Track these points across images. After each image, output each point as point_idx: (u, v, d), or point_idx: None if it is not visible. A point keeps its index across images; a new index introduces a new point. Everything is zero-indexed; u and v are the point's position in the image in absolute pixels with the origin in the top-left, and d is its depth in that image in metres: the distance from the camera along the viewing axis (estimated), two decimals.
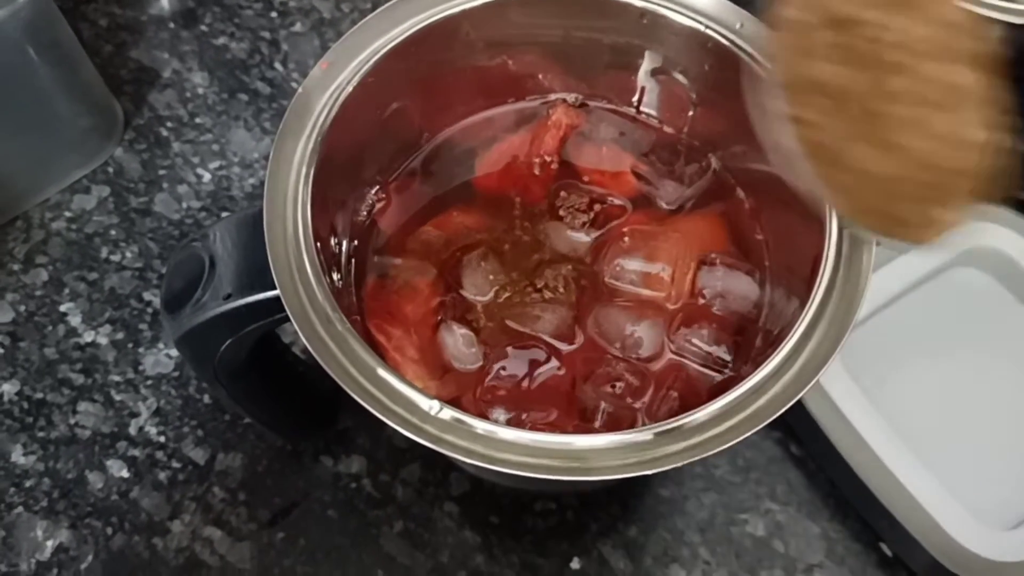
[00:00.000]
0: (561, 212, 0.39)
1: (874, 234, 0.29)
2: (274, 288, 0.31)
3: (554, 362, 0.36)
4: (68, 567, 0.45)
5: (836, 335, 0.30)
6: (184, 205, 0.54)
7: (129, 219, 0.54)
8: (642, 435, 0.29)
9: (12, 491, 0.47)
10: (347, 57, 0.35)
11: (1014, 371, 0.48)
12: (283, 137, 0.34)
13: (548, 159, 0.41)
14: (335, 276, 0.35)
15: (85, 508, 0.46)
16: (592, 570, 0.45)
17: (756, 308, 0.37)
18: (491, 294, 0.37)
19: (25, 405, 0.49)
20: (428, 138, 0.40)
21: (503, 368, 0.36)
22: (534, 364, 0.36)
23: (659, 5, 0.36)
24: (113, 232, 0.53)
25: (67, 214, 0.54)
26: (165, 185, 0.55)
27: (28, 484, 0.47)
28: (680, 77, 0.38)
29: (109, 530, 0.46)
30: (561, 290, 0.37)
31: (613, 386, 0.35)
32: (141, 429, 0.48)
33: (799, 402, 0.44)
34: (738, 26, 0.35)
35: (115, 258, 0.52)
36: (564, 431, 0.33)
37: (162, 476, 0.47)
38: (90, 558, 0.45)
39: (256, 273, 0.32)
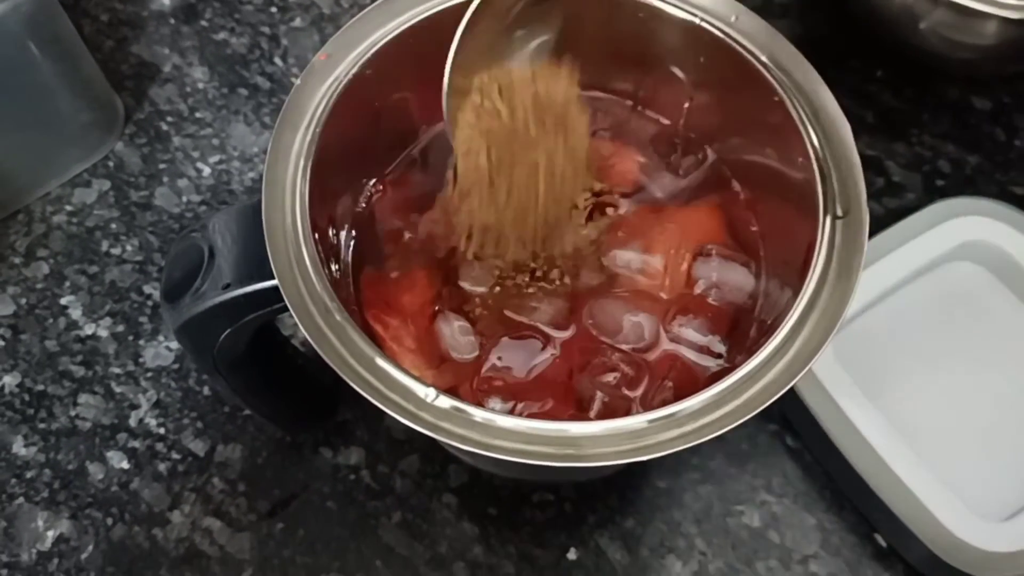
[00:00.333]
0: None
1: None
2: (272, 278, 0.31)
3: (551, 352, 0.36)
4: (69, 557, 0.45)
5: (828, 325, 0.30)
6: (184, 199, 0.54)
7: (129, 213, 0.54)
8: (637, 422, 0.29)
9: (13, 482, 0.47)
10: (345, 49, 0.36)
11: (1008, 364, 0.48)
12: (281, 129, 0.34)
13: None
14: (333, 267, 0.35)
15: (85, 499, 0.46)
16: (589, 561, 0.45)
17: (751, 299, 0.37)
18: (489, 284, 0.37)
19: (26, 397, 0.49)
20: (426, 130, 0.40)
21: (499, 358, 0.36)
22: (531, 354, 0.36)
23: None
24: (114, 226, 0.54)
25: (68, 208, 0.54)
26: (165, 179, 0.55)
27: (29, 475, 0.47)
28: (676, 70, 0.38)
29: (109, 521, 0.46)
30: (558, 281, 0.37)
31: (609, 376, 0.35)
32: (141, 421, 0.48)
33: (795, 395, 0.45)
34: (733, 19, 0.36)
35: (115, 251, 0.53)
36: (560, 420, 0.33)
37: (162, 467, 0.47)
38: (90, 548, 0.45)
39: (255, 263, 0.32)
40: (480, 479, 0.47)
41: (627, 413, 0.35)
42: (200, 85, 0.58)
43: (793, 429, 0.47)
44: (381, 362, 0.30)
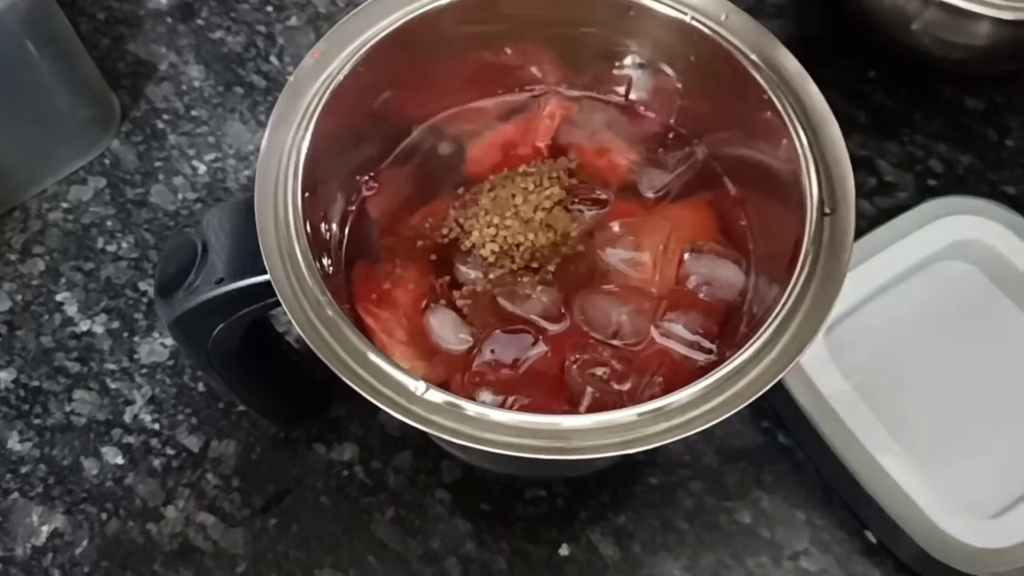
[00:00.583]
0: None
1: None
2: (265, 273, 0.32)
3: (542, 346, 0.37)
4: (63, 552, 0.45)
5: (816, 321, 0.31)
6: (180, 196, 0.55)
7: (125, 210, 0.54)
8: (626, 415, 0.30)
9: (8, 477, 0.47)
10: (339, 46, 0.36)
11: (998, 362, 0.48)
12: (275, 125, 0.34)
13: (541, 148, 0.41)
14: (326, 262, 0.36)
15: (80, 494, 0.47)
16: (581, 557, 0.45)
17: (741, 295, 0.37)
18: (481, 279, 0.37)
19: (21, 393, 0.49)
20: (419, 126, 0.41)
21: (492, 351, 0.36)
22: (522, 348, 0.36)
23: None
24: (109, 223, 0.54)
25: (64, 205, 0.54)
26: (161, 177, 0.55)
27: (24, 470, 0.47)
28: (667, 68, 0.39)
29: (104, 516, 0.46)
30: (551, 275, 0.38)
31: (599, 371, 0.35)
32: (136, 417, 0.48)
33: (786, 392, 0.45)
34: (723, 17, 0.36)
35: (111, 248, 0.53)
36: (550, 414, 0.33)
37: (156, 463, 0.47)
38: (85, 543, 0.46)
39: (248, 258, 0.32)
40: (473, 475, 0.47)
41: (617, 407, 0.35)
42: (196, 83, 0.58)
43: (784, 426, 0.48)
44: (372, 356, 0.30)
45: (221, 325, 0.35)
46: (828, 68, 0.58)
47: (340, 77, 0.35)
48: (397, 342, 0.35)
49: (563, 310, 0.37)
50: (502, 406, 0.35)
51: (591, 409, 0.35)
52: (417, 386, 0.29)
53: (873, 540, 0.45)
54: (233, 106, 0.58)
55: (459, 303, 0.37)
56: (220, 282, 0.33)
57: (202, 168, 0.55)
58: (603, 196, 0.39)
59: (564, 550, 0.45)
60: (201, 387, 0.49)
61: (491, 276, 0.37)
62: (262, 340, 0.40)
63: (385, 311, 0.36)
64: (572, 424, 0.30)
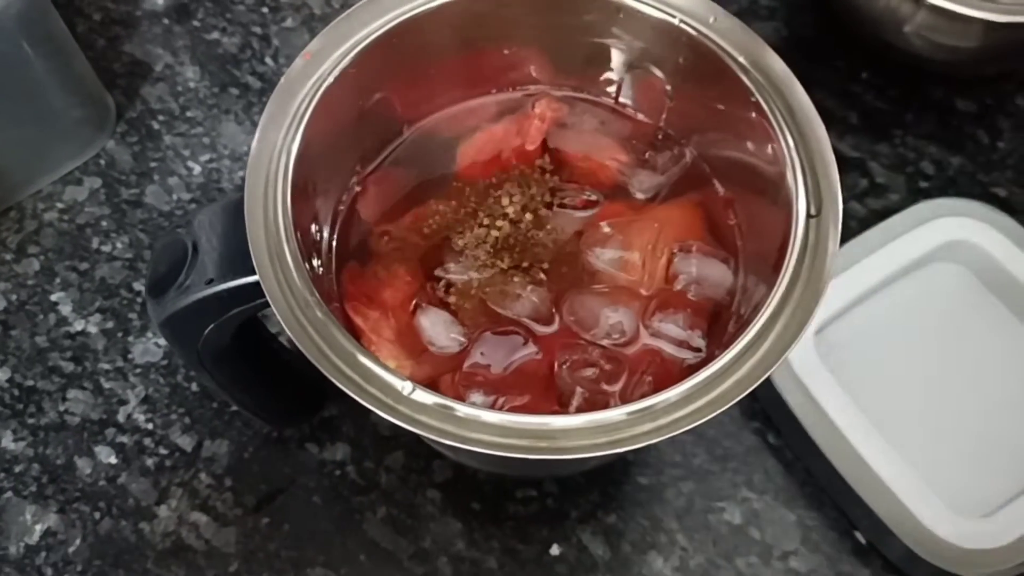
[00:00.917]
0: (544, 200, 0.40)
1: None
2: (254, 273, 0.32)
3: (532, 347, 0.37)
4: (56, 550, 0.46)
5: (800, 321, 0.31)
6: (174, 197, 0.55)
7: (120, 210, 0.54)
8: (615, 415, 0.30)
9: (2, 476, 0.47)
10: (329, 48, 0.36)
11: (988, 363, 0.49)
12: (265, 126, 0.34)
13: (531, 150, 0.41)
14: (315, 262, 0.36)
15: (73, 493, 0.47)
16: (571, 556, 0.45)
17: (730, 294, 0.38)
18: (471, 279, 0.37)
19: (16, 392, 0.49)
20: (409, 128, 0.41)
21: (482, 353, 0.36)
22: (512, 349, 0.37)
23: (635, 0, 0.37)
24: (104, 223, 0.54)
25: (59, 205, 0.55)
26: (156, 177, 0.55)
27: (18, 469, 0.47)
28: (656, 70, 0.39)
29: (97, 515, 0.46)
30: (541, 275, 0.38)
31: (588, 371, 0.36)
32: (129, 416, 0.49)
33: (776, 393, 0.46)
34: (711, 20, 0.36)
35: (106, 249, 0.53)
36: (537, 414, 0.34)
37: (149, 462, 0.48)
38: (78, 542, 0.46)
39: (238, 259, 0.33)
40: (464, 475, 0.47)
41: (606, 408, 0.35)
42: (191, 84, 0.59)
43: (774, 427, 0.48)
44: (359, 355, 0.30)
45: (212, 325, 0.35)
46: (820, 70, 0.59)
47: (330, 79, 0.35)
48: (385, 341, 0.36)
49: (553, 313, 0.37)
50: (492, 407, 0.35)
51: (581, 409, 0.35)
52: (404, 386, 0.30)
53: (862, 540, 0.46)
54: (228, 107, 0.58)
55: (450, 303, 0.37)
56: (210, 282, 0.33)
57: (197, 169, 0.56)
58: (593, 197, 0.39)
59: (555, 549, 0.46)
60: (194, 387, 0.49)
61: (482, 276, 0.38)
62: (254, 340, 0.41)
63: (374, 311, 0.36)
64: (563, 424, 0.30)
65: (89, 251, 0.53)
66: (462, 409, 0.30)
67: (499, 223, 0.38)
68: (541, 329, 0.37)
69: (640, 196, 0.40)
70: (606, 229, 0.38)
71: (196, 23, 0.61)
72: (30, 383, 0.50)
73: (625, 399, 0.36)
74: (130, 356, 0.50)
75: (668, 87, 0.39)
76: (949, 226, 0.50)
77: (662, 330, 0.37)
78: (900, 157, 0.56)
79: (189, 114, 0.57)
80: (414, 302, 0.37)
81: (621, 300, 0.37)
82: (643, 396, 0.31)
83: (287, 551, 0.46)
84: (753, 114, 0.35)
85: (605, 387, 0.36)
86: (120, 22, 0.61)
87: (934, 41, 0.53)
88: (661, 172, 0.39)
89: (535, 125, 0.41)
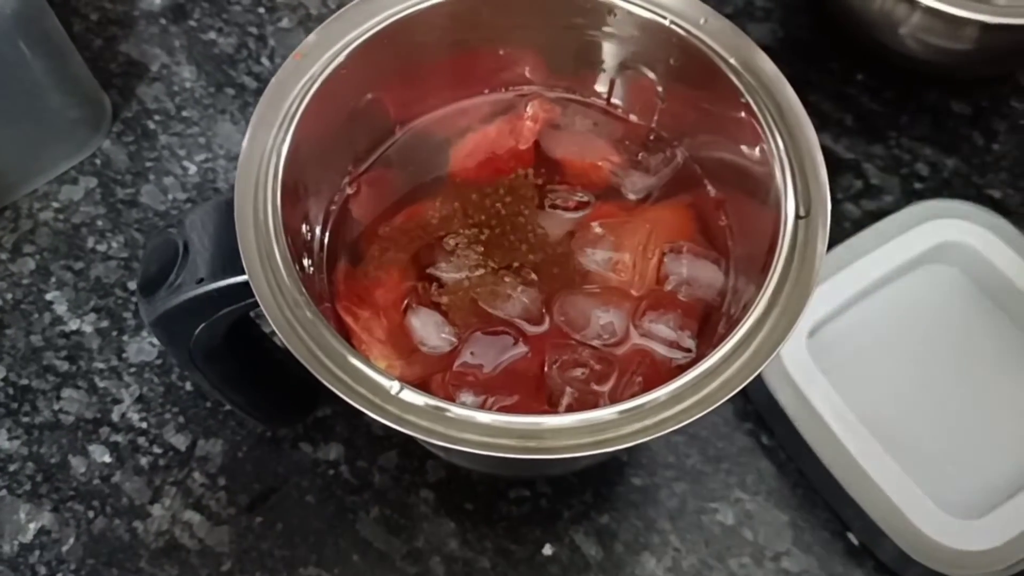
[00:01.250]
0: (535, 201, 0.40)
1: None
2: (244, 273, 0.32)
3: (523, 347, 0.37)
4: (50, 549, 0.46)
5: (788, 322, 0.31)
6: (170, 197, 0.55)
7: (116, 210, 0.54)
8: (605, 415, 0.30)
9: None
10: (321, 48, 0.36)
11: (981, 365, 0.49)
12: (255, 126, 0.34)
13: (524, 150, 0.41)
14: (306, 262, 0.36)
15: (68, 492, 0.47)
16: (564, 556, 0.45)
17: (721, 295, 0.38)
18: (462, 279, 0.38)
19: (10, 391, 0.49)
20: (401, 128, 0.41)
21: (472, 353, 0.36)
22: (503, 349, 0.37)
23: (626, 1, 0.37)
24: (100, 223, 0.54)
25: (55, 204, 0.55)
26: (152, 177, 0.56)
27: (12, 468, 0.48)
28: (647, 71, 0.39)
29: (91, 514, 0.46)
30: (533, 276, 0.38)
31: (578, 371, 0.36)
32: (124, 415, 0.49)
33: (769, 394, 0.46)
34: (702, 21, 0.36)
35: (101, 248, 0.53)
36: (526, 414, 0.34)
37: (143, 461, 0.48)
38: (72, 541, 0.46)
39: (228, 258, 0.33)
40: (457, 475, 0.47)
41: (596, 407, 0.35)
42: (188, 84, 0.59)
43: (767, 428, 0.48)
44: (348, 355, 0.30)
45: (203, 324, 0.35)
46: (815, 72, 0.59)
47: (322, 79, 0.35)
48: (376, 341, 0.36)
49: (544, 313, 0.37)
50: (482, 406, 0.35)
51: (570, 410, 0.35)
52: (392, 385, 0.30)
53: (855, 541, 0.46)
54: (224, 107, 0.58)
55: (441, 303, 0.37)
56: (201, 282, 0.33)
57: (192, 168, 0.56)
58: (585, 198, 0.40)
59: (547, 549, 0.46)
60: (188, 386, 0.49)
61: (473, 276, 0.38)
62: (246, 339, 0.41)
63: (365, 311, 0.36)
64: (553, 424, 0.30)
65: (84, 251, 0.53)
66: (451, 409, 0.30)
67: (491, 223, 0.38)
68: (532, 329, 0.37)
69: (632, 197, 0.40)
70: (597, 230, 0.38)
71: (192, 23, 0.61)
72: (24, 382, 0.50)
73: (615, 399, 0.36)
74: (124, 355, 0.50)
75: (659, 88, 0.39)
76: (943, 228, 0.50)
77: (652, 331, 0.37)
78: (895, 159, 0.56)
79: (185, 114, 0.58)
80: (405, 302, 0.37)
81: (612, 301, 0.37)
82: (633, 396, 0.31)
83: (280, 550, 0.46)
84: (743, 115, 0.35)
85: (595, 387, 0.36)
86: (116, 22, 0.61)
87: (929, 43, 0.53)
88: (653, 173, 0.40)
89: (527, 126, 0.42)
